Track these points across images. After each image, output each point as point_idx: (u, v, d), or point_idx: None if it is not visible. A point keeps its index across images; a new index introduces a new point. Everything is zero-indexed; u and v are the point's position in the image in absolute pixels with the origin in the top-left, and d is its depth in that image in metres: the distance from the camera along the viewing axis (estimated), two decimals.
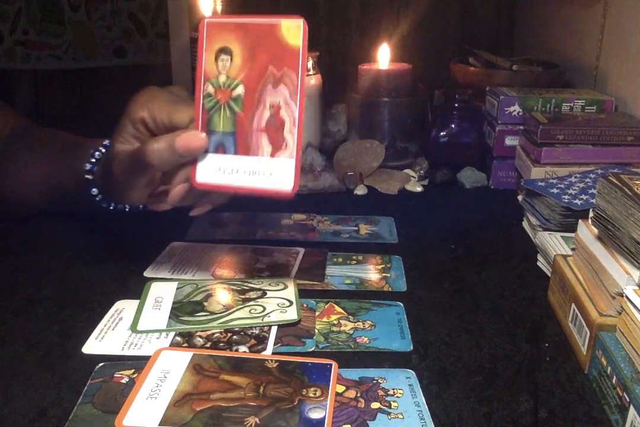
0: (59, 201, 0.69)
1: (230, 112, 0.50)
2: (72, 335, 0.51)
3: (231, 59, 0.50)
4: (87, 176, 0.63)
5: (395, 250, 0.69)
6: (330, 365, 0.47)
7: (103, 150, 0.63)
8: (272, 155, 0.49)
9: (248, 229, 0.73)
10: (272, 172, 0.49)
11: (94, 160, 0.63)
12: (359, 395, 0.44)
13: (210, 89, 0.50)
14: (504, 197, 0.86)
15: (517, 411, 0.43)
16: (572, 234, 0.57)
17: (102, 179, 0.61)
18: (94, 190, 0.63)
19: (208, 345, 0.50)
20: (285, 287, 0.59)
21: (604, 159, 0.80)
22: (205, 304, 0.55)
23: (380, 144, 0.93)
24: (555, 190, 0.69)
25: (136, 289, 0.58)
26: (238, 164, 0.50)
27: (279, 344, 0.50)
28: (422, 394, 0.44)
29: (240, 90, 0.50)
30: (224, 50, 0.50)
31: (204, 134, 0.50)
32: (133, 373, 0.46)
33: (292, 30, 0.47)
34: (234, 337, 0.51)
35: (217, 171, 0.51)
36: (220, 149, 0.50)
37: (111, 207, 0.64)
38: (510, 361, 0.49)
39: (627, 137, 0.80)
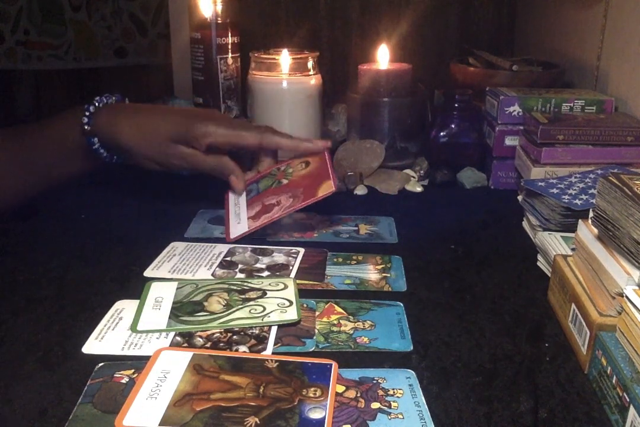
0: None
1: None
2: (72, 335, 0.51)
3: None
4: (85, 127, 0.69)
5: (395, 250, 0.69)
6: (330, 365, 0.47)
7: (98, 104, 0.71)
8: None
9: None
10: None
11: (88, 113, 0.69)
12: (359, 395, 0.44)
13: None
14: (504, 197, 0.86)
15: (517, 411, 0.43)
16: (572, 234, 0.57)
17: (102, 130, 0.69)
18: (94, 140, 0.69)
19: (208, 345, 0.50)
20: (285, 287, 0.59)
21: (604, 159, 0.80)
22: (205, 304, 0.55)
23: (380, 144, 0.92)
24: (555, 191, 0.69)
25: (136, 289, 0.58)
26: None
27: (279, 344, 0.50)
28: (422, 394, 0.44)
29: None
30: None
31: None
32: (133, 373, 0.46)
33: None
34: (234, 337, 0.51)
35: None
36: None
37: (114, 161, 0.73)
38: (510, 361, 0.49)
39: (627, 137, 0.80)
